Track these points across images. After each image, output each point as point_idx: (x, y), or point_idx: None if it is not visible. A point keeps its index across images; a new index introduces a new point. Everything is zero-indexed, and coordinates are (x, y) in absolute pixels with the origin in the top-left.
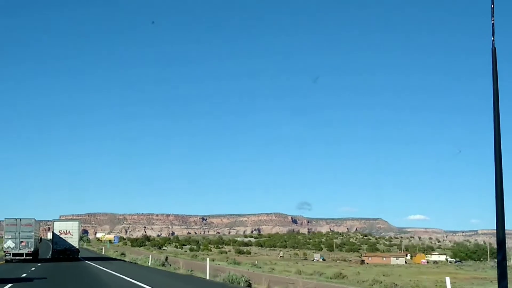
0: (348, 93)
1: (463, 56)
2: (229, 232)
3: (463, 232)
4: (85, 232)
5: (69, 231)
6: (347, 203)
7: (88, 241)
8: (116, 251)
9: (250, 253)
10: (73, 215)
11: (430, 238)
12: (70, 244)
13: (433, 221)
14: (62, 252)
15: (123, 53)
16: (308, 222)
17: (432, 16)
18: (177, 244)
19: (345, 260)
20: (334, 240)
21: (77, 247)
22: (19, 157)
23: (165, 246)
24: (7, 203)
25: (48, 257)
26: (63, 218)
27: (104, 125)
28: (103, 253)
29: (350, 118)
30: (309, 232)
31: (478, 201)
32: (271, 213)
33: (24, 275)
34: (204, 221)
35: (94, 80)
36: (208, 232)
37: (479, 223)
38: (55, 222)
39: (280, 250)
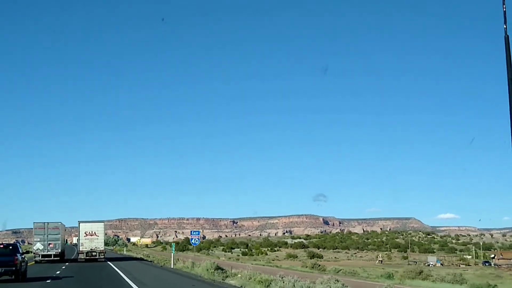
0: (371, 95)
1: (481, 44)
2: (260, 235)
3: (498, 230)
4: (117, 237)
5: (94, 232)
6: (374, 203)
7: (125, 245)
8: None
9: (322, 256)
10: (103, 220)
11: (464, 236)
12: (95, 245)
13: (463, 220)
14: (87, 253)
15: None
16: (340, 223)
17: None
18: (223, 247)
19: (468, 265)
20: (397, 240)
21: (103, 248)
22: (46, 162)
23: (212, 250)
24: (36, 208)
25: (73, 257)
26: None
27: (132, 128)
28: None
29: (377, 120)
30: (342, 232)
31: (508, 198)
32: (302, 215)
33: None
34: (234, 224)
35: (122, 79)
36: (239, 235)
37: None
38: (80, 224)
39: (378, 255)
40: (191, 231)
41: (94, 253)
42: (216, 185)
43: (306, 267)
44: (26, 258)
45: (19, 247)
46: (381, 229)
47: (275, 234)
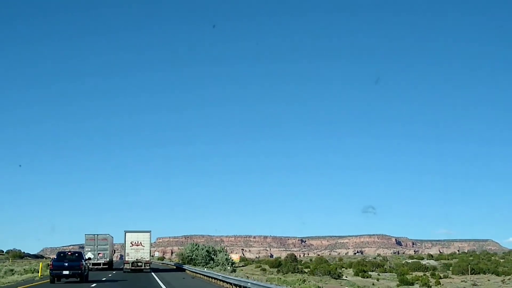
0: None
1: None
2: (330, 254)
3: None
4: (213, 250)
5: (140, 243)
6: (446, 224)
7: (228, 267)
8: None
9: None
10: (169, 237)
11: None
12: (141, 256)
13: None
14: (132, 263)
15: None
16: (413, 244)
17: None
18: (346, 267)
19: None
20: None
21: (148, 259)
22: (117, 179)
23: (341, 272)
24: (102, 223)
25: (121, 267)
26: (160, 240)
27: (200, 145)
28: None
29: (455, 139)
30: (415, 253)
31: None
32: (373, 235)
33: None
34: (303, 243)
35: (192, 95)
36: (308, 254)
37: None
38: (126, 233)
39: None
40: None
41: (139, 264)
42: (284, 203)
43: None
44: (88, 264)
45: (83, 254)
46: (457, 251)
47: (346, 254)
